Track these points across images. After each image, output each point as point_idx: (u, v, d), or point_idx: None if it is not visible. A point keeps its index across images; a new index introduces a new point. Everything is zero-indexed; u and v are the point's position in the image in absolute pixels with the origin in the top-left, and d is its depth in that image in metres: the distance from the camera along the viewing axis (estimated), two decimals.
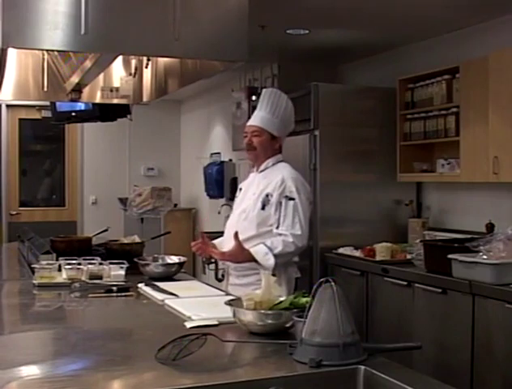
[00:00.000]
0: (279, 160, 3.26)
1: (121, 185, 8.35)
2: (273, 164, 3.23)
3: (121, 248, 3.71)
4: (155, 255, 3.44)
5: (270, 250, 2.97)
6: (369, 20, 4.41)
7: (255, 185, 3.23)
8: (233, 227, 3.19)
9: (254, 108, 3.36)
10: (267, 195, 3.12)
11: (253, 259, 2.99)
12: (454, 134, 4.22)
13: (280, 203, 3.08)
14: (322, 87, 4.68)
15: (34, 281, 3.07)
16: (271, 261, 2.96)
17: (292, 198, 3.07)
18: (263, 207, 3.12)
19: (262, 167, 3.25)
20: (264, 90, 3.34)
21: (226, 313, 2.18)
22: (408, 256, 4.15)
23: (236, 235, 2.99)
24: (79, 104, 4.98)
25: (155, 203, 7.67)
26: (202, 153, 7.88)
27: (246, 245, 3.06)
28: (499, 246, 3.27)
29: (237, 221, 3.21)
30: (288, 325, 2.05)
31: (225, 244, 3.23)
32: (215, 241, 3.32)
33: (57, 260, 3.33)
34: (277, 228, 3.08)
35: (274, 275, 2.79)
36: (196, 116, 8.37)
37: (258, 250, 2.99)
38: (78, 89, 3.78)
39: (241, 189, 3.39)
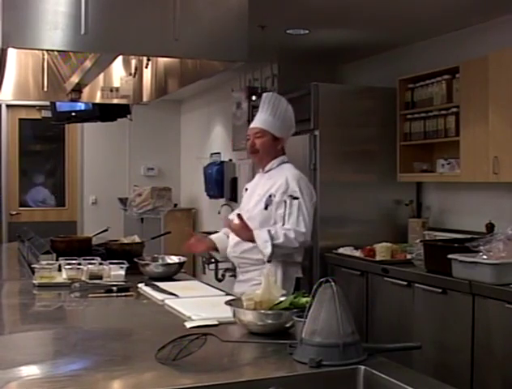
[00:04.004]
0: (284, 161, 3.30)
1: (121, 186, 8.35)
2: (278, 165, 3.28)
3: (121, 248, 3.71)
4: (155, 255, 3.45)
5: (272, 239, 3.03)
6: (369, 20, 4.41)
7: (260, 187, 3.29)
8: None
9: (254, 108, 3.39)
10: (270, 196, 3.18)
11: (253, 240, 3.06)
12: (454, 134, 4.22)
13: (285, 202, 3.13)
14: (322, 87, 4.68)
15: (34, 281, 3.07)
16: (268, 249, 3.02)
17: (296, 198, 3.13)
18: (266, 208, 3.18)
19: (267, 168, 3.30)
20: (264, 94, 3.39)
21: (226, 313, 2.18)
22: (408, 256, 4.15)
23: (239, 216, 3.08)
24: (79, 104, 4.97)
25: (155, 203, 7.67)
26: (202, 153, 7.88)
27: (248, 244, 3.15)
28: (499, 246, 3.27)
29: None
30: (288, 325, 2.05)
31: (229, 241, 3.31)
32: (213, 237, 3.44)
33: (57, 260, 3.33)
34: (283, 225, 3.12)
35: (269, 261, 3.01)
36: (196, 116, 8.36)
37: (260, 235, 3.05)
38: (78, 89, 3.78)
39: (246, 189, 3.44)
